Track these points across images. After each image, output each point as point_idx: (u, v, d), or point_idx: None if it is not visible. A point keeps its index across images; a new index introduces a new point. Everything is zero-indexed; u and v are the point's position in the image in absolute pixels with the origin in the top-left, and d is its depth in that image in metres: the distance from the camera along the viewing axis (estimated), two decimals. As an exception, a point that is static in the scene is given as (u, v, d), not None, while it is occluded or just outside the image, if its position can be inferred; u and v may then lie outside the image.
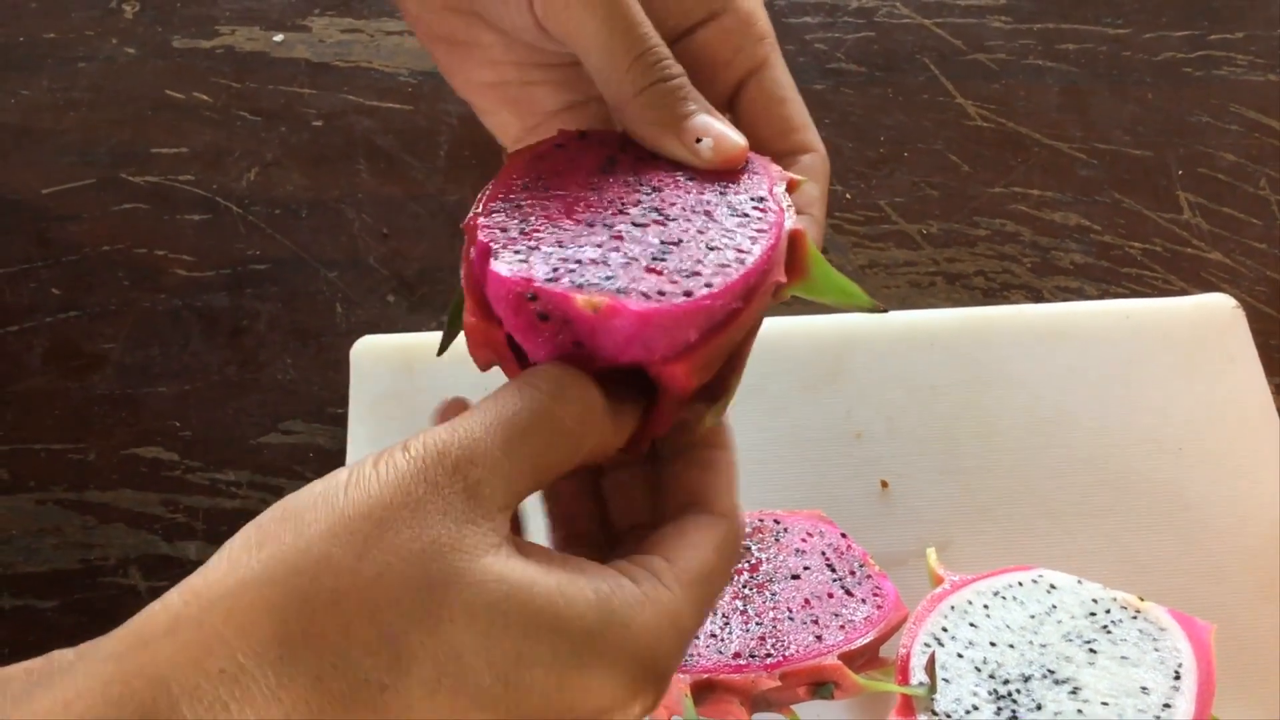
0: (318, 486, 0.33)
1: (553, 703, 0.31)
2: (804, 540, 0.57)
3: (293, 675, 0.29)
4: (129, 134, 0.74)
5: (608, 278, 0.37)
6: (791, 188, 0.42)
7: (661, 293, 0.37)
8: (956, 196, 0.74)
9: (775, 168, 0.42)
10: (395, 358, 0.65)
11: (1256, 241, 0.73)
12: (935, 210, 0.74)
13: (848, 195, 0.74)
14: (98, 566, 0.61)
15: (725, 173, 0.41)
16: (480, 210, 0.39)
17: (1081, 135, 0.76)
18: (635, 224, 0.39)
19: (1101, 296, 0.71)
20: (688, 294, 0.37)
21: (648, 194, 0.41)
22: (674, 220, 0.40)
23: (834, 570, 0.55)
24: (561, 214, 0.40)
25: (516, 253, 0.38)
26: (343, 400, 0.64)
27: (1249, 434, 0.65)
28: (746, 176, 0.41)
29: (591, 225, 0.39)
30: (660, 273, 0.37)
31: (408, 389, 0.64)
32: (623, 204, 0.40)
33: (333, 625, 0.30)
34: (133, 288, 0.69)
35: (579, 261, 0.38)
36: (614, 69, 0.40)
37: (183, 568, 0.61)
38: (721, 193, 0.41)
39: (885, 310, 0.44)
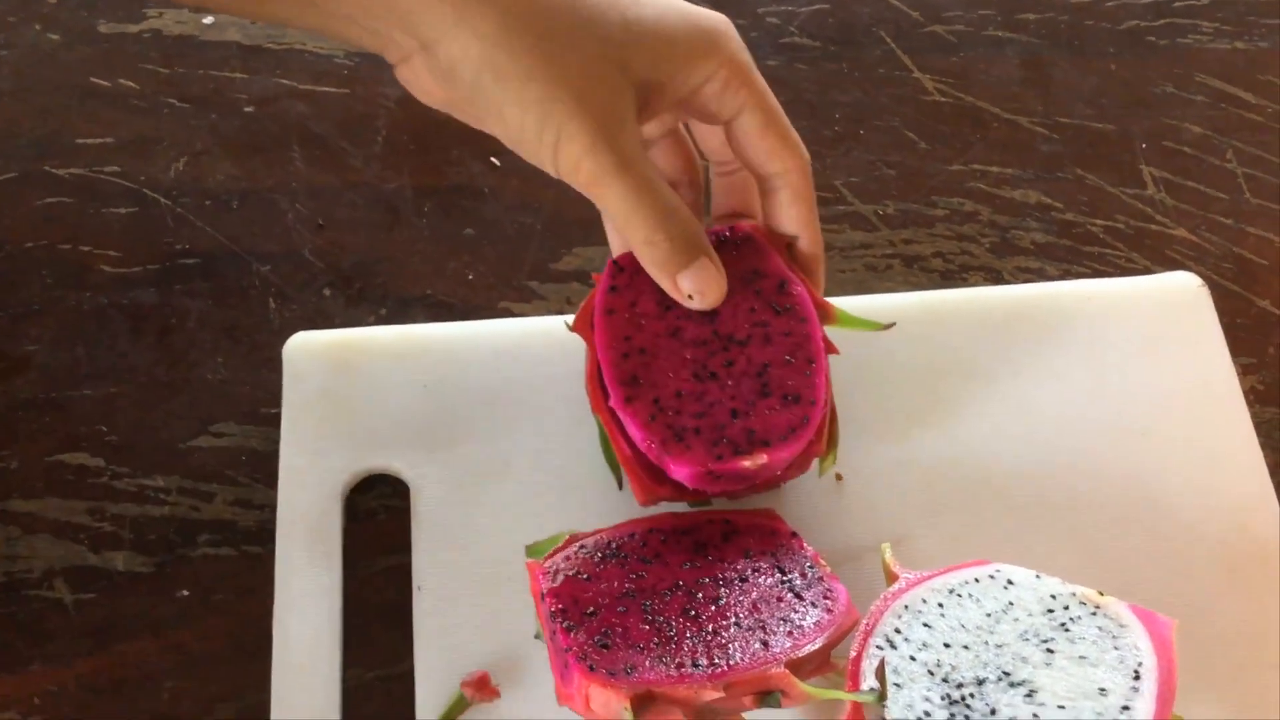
0: None
1: None
2: (754, 541, 0.55)
3: None
4: (53, 124, 0.71)
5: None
6: (780, 245, 0.56)
7: (788, 435, 0.53)
8: (914, 175, 0.72)
9: (773, 252, 0.56)
10: (331, 355, 0.63)
11: (1222, 217, 0.71)
12: (892, 190, 0.71)
13: (801, 176, 0.71)
14: (21, 579, 0.58)
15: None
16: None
17: (1042, 109, 0.74)
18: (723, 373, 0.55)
19: (1063, 277, 0.68)
20: (802, 428, 0.54)
21: (723, 348, 0.55)
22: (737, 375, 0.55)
23: (784, 573, 0.53)
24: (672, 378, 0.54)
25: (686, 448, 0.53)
26: (276, 400, 0.62)
27: (1214, 417, 0.63)
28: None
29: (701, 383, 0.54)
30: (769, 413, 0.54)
31: (344, 387, 0.62)
32: (705, 362, 0.55)
33: None
34: (56, 286, 0.66)
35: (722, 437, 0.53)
36: (630, 227, 0.51)
37: (110, 579, 0.58)
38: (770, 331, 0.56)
39: (892, 325, 0.58)
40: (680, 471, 0.53)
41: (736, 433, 0.53)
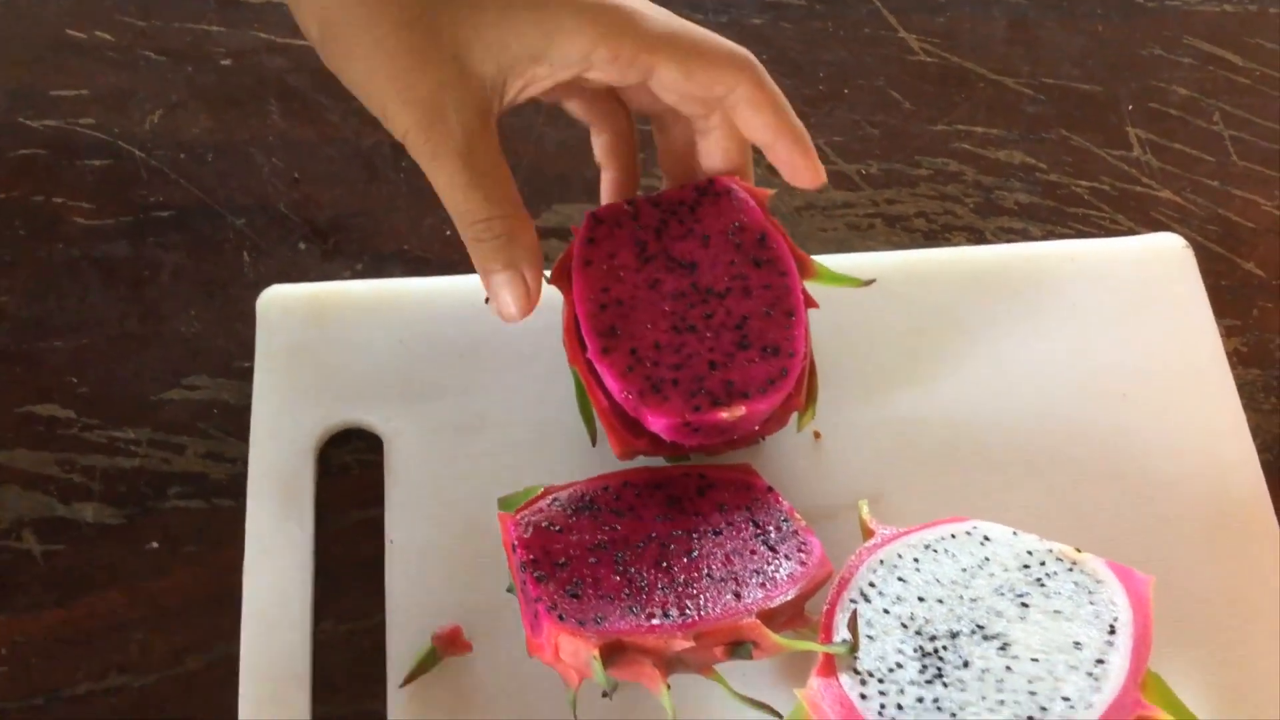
0: None
1: None
2: (729, 495, 0.54)
3: None
4: (28, 76, 0.70)
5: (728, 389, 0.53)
6: (761, 198, 0.56)
7: (766, 386, 0.52)
8: (898, 135, 0.71)
9: (754, 205, 0.55)
10: (305, 308, 0.62)
11: (1208, 179, 0.70)
12: (875, 150, 0.70)
13: (784, 134, 0.71)
14: (-11, 530, 0.58)
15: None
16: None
17: (1029, 70, 0.73)
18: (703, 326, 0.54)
19: (1046, 237, 0.68)
20: (781, 380, 0.53)
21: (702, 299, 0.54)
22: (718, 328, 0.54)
23: (758, 526, 0.53)
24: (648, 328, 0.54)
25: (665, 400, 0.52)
26: (249, 353, 0.61)
27: (1197, 379, 0.62)
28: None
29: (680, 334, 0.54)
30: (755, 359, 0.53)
31: (318, 341, 0.61)
32: (684, 315, 0.54)
33: None
34: (29, 238, 0.65)
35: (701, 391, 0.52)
36: (450, 211, 0.52)
37: (79, 530, 0.58)
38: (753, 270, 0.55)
39: (873, 282, 0.58)
40: (657, 423, 0.52)
41: (715, 384, 0.52)
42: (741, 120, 0.54)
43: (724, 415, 0.51)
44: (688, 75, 0.52)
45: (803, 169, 0.54)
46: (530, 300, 0.53)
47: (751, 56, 0.53)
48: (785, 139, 0.54)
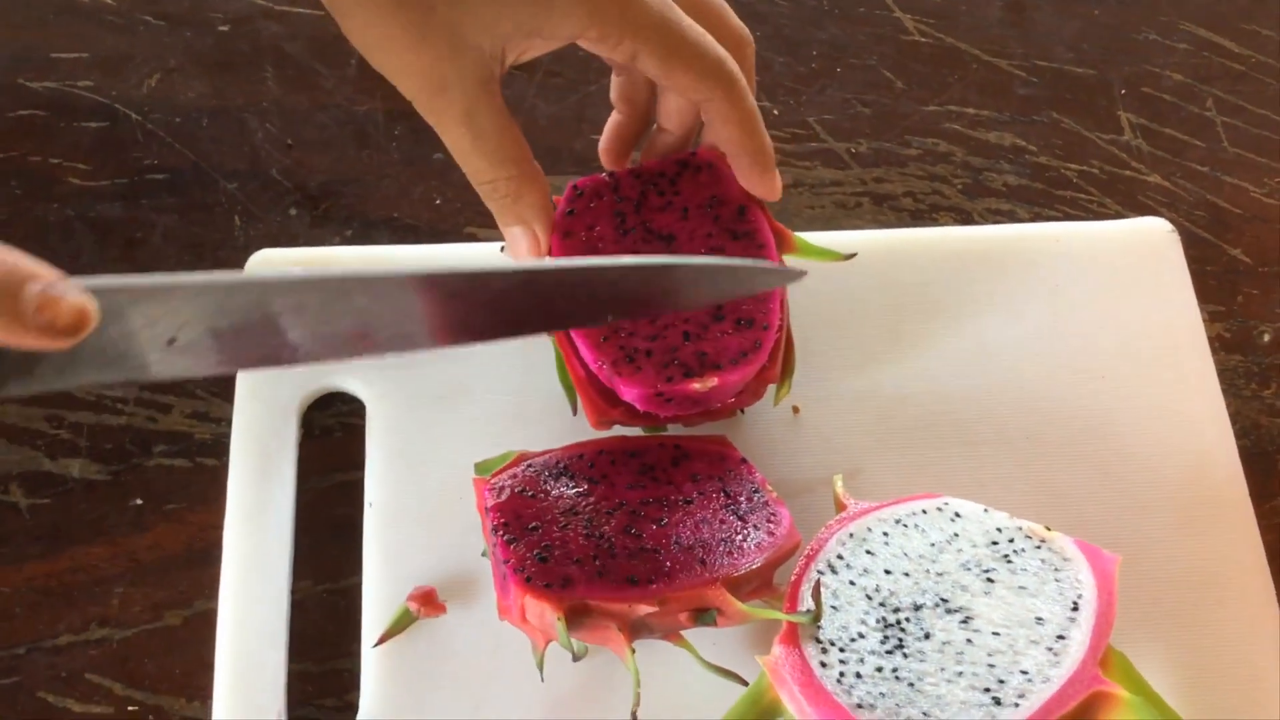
0: None
1: None
2: (702, 466, 0.55)
3: None
4: (29, 39, 0.71)
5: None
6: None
7: (739, 358, 0.53)
8: (889, 114, 0.71)
9: (734, 179, 0.55)
10: (293, 273, 0.63)
11: (1198, 164, 0.70)
12: (865, 128, 0.71)
13: (775, 111, 0.71)
14: (-22, 483, 0.59)
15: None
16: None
17: (1022, 52, 0.73)
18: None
19: (1033, 220, 0.68)
20: (754, 352, 0.53)
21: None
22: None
23: (729, 496, 0.53)
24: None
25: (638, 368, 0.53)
26: (237, 316, 0.62)
27: (1177, 363, 0.62)
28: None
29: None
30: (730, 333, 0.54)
31: (305, 305, 0.62)
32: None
33: None
34: (25, 197, 0.66)
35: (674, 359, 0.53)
36: (469, 177, 0.54)
37: (65, 485, 0.59)
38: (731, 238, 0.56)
39: (854, 256, 0.59)
40: (630, 393, 0.53)
41: (688, 355, 0.53)
42: (711, 127, 0.55)
43: (696, 386, 0.52)
44: (666, 73, 0.53)
45: (759, 185, 0.55)
46: (539, 251, 0.55)
47: (734, 70, 0.53)
48: (747, 156, 0.55)
